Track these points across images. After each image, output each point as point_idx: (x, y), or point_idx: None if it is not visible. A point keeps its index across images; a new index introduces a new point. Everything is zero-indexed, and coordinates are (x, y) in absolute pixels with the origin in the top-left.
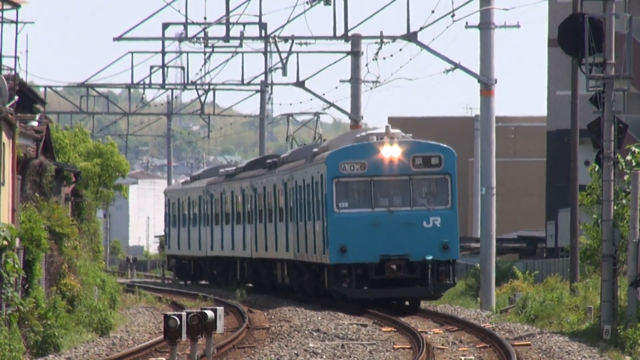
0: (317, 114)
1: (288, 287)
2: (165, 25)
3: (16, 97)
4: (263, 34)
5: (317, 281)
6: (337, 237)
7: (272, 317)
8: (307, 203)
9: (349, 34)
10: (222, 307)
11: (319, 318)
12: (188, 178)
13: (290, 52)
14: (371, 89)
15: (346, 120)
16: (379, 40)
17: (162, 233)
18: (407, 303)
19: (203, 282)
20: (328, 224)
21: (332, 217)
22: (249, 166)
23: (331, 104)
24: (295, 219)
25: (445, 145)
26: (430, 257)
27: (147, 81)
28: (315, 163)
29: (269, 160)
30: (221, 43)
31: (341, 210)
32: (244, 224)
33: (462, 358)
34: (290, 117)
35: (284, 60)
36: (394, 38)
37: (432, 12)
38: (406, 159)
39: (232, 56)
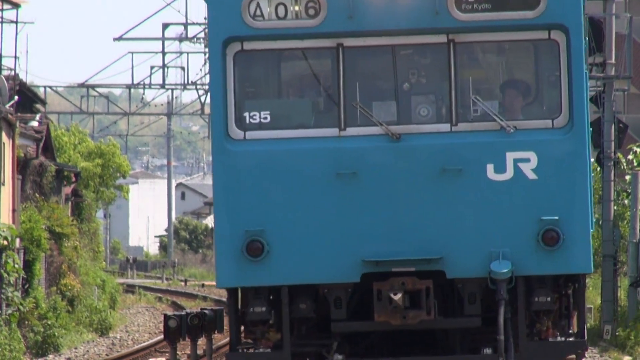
0: None
1: None
2: (165, 26)
3: (16, 97)
4: None
5: None
6: (232, 213)
7: None
8: None
9: None
10: (222, 307)
11: None
12: None
13: None
14: None
15: None
16: None
17: (163, 233)
18: None
19: None
20: (213, 176)
21: (223, 156)
22: None
23: None
24: None
25: None
26: (505, 269)
27: (147, 81)
28: None
29: None
30: None
31: (249, 135)
32: None
33: None
34: None
35: None
36: None
37: None
38: None
39: None
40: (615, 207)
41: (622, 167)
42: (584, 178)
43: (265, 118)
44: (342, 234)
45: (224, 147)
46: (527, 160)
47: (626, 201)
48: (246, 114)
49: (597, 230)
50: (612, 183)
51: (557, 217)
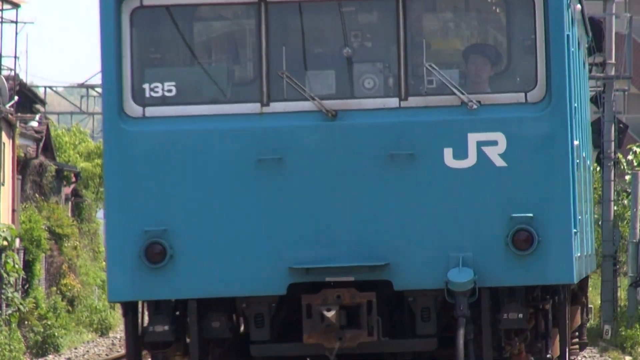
0: None
1: None
2: None
3: (16, 97)
4: None
5: None
6: (128, 209)
7: None
8: None
9: None
10: None
11: None
12: None
13: None
14: None
15: None
16: None
17: None
18: None
19: None
20: (104, 163)
21: (116, 138)
22: None
23: None
24: None
25: None
26: (466, 279)
27: None
28: None
29: None
30: None
31: (149, 111)
32: None
33: None
34: None
35: None
36: None
37: None
38: None
39: None
40: (615, 207)
41: (622, 167)
42: (565, 166)
43: (170, 91)
44: (264, 235)
45: (118, 126)
46: (494, 143)
47: (626, 201)
48: (146, 86)
49: (597, 230)
50: (612, 183)
51: (531, 215)
